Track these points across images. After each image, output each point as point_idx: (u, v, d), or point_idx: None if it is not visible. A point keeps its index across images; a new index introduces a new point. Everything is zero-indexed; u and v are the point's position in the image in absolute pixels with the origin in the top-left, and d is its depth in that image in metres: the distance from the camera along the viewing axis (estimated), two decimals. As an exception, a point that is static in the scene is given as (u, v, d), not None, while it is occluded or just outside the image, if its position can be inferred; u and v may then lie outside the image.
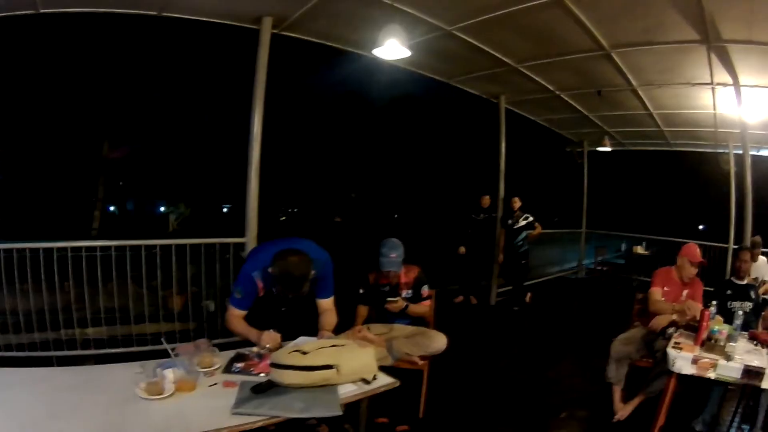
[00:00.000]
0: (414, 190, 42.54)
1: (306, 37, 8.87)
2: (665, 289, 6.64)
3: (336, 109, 41.18)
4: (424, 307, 6.28)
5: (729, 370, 4.94)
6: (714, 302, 6.01)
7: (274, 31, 8.12)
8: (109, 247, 7.42)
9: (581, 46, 9.12)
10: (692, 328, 5.75)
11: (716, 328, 5.35)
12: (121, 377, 3.83)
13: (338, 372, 3.86)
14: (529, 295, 13.32)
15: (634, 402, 6.25)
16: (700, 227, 38.14)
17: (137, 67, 26.31)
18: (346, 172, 45.07)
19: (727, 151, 15.21)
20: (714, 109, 12.28)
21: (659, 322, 6.30)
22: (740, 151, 11.88)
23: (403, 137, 41.10)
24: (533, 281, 15.43)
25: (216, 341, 4.80)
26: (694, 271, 6.66)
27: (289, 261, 4.47)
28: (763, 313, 6.75)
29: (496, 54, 9.76)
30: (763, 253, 10.48)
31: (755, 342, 5.67)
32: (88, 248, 7.32)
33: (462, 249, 12.71)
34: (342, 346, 4.22)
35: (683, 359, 5.10)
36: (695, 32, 8.20)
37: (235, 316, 4.83)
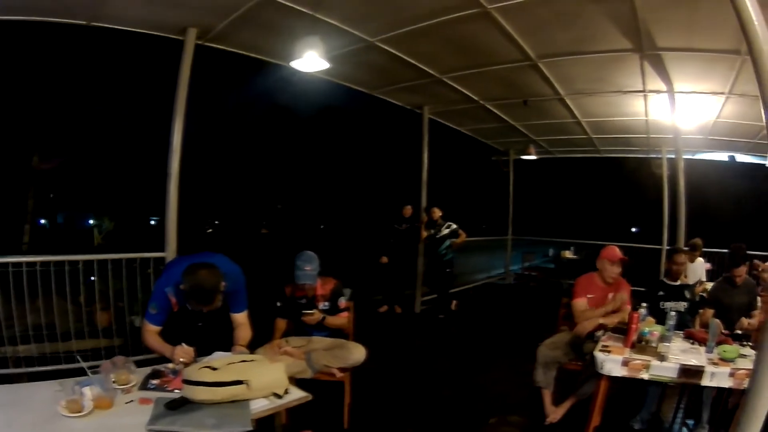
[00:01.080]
0: (339, 200, 42.72)
1: (230, 49, 8.78)
2: (589, 296, 6.65)
3: (262, 120, 41.38)
4: (342, 319, 6.24)
5: (663, 370, 5.00)
6: (644, 304, 6.11)
7: (199, 42, 8.00)
8: (34, 263, 7.19)
9: (507, 57, 9.16)
10: (622, 330, 5.78)
11: (647, 329, 5.39)
12: (47, 395, 3.73)
13: (248, 387, 3.84)
14: (454, 302, 13.32)
15: (566, 405, 6.30)
16: (633, 230, 39.03)
17: (67, 78, 25.94)
18: (273, 184, 45.07)
19: (660, 156, 15.55)
20: (646, 115, 12.49)
21: (585, 326, 6.34)
22: (673, 156, 12.10)
23: (328, 148, 41.34)
24: (460, 288, 15.54)
25: (141, 357, 4.99)
26: (616, 270, 6.67)
27: (198, 274, 4.42)
28: (700, 311, 6.95)
29: (420, 65, 9.79)
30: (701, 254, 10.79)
31: (692, 341, 5.79)
32: (15, 264, 7.07)
33: (384, 258, 12.68)
34: (252, 361, 4.22)
35: (612, 362, 5.14)
36: (628, 41, 8.31)
37: (150, 332, 4.76)
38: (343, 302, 6.21)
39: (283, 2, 6.99)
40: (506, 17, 7.54)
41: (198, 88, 8.09)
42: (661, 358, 5.05)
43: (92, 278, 7.65)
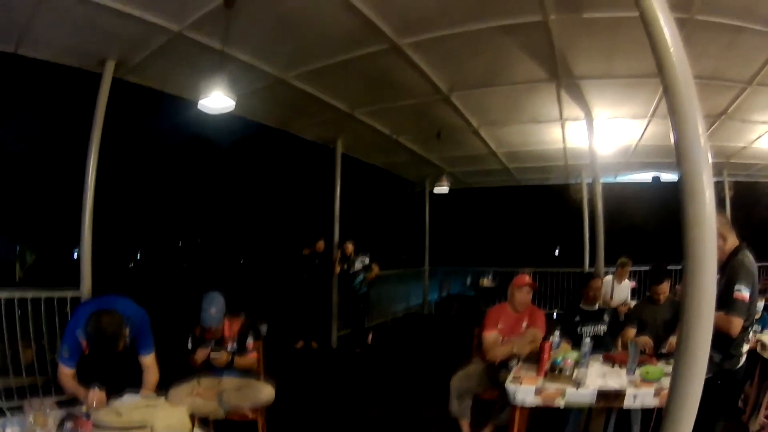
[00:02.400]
0: (256, 234, 42.56)
1: (146, 84, 8.69)
2: (500, 326, 6.61)
3: (182, 153, 41.08)
4: (250, 359, 6.17)
5: (580, 396, 4.91)
6: (557, 332, 6.09)
7: (116, 76, 7.85)
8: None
9: (419, 91, 9.37)
10: (535, 359, 5.70)
11: (559, 358, 5.35)
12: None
13: (152, 431, 3.83)
14: (370, 336, 13.34)
15: None
16: (556, 252, 39.61)
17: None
18: (193, 218, 44.80)
19: (579, 181, 15.64)
20: (564, 143, 12.75)
21: (496, 353, 6.34)
22: (591, 180, 12.21)
23: (244, 181, 41.20)
24: (378, 321, 15.67)
25: (64, 397, 4.82)
26: (526, 297, 6.72)
27: (101, 321, 4.44)
28: (622, 331, 6.83)
29: (331, 101, 9.87)
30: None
31: (612, 364, 5.69)
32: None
33: (297, 293, 12.82)
34: (155, 405, 4.24)
35: (524, 392, 5.00)
36: (544, 71, 8.55)
37: (65, 375, 4.77)
38: (251, 343, 6.16)
39: (196, 38, 7.03)
40: (417, 52, 7.69)
41: (118, 121, 8.00)
42: (577, 384, 4.95)
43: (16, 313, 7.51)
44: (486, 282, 17.70)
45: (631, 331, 6.58)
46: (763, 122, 11.51)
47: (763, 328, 7.78)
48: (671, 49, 3.33)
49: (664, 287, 6.58)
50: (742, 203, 17.75)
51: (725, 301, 4.32)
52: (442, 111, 10.31)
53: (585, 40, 7.52)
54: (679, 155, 3.17)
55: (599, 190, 10.72)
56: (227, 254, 42.65)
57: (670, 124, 8.92)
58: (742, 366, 4.66)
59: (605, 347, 6.32)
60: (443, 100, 9.69)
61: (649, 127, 11.59)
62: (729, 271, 4.52)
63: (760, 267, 9.53)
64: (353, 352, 12.32)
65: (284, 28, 6.99)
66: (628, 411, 5.65)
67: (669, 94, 3.28)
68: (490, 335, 6.49)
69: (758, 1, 6.44)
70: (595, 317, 6.84)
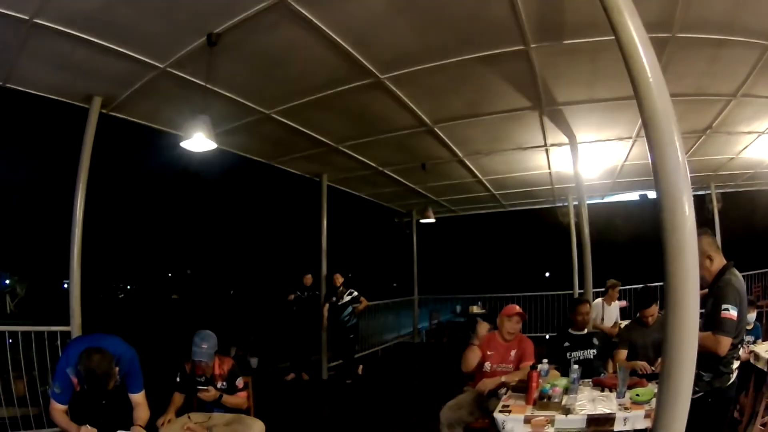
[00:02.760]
0: (246, 267, 42.46)
1: (133, 119, 8.71)
2: (489, 353, 6.69)
3: (171, 187, 41.07)
4: (239, 399, 6.16)
5: (570, 423, 4.90)
6: (545, 360, 6.15)
7: (104, 111, 7.93)
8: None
9: (402, 124, 9.53)
10: (523, 388, 5.64)
11: (548, 385, 5.36)
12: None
13: None
14: (360, 367, 13.32)
15: None
16: (546, 275, 39.33)
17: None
18: (182, 249, 44.72)
19: (566, 204, 15.77)
20: (549, 168, 12.85)
21: (486, 384, 6.38)
22: (577, 203, 12.18)
23: (233, 214, 41.19)
24: (369, 350, 15.92)
25: (56, 429, 4.96)
26: (515, 325, 6.80)
27: (91, 360, 4.48)
28: (614, 353, 6.87)
29: (316, 135, 10.00)
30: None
31: (602, 388, 5.70)
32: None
33: (286, 326, 12.96)
34: None
35: (514, 421, 5.01)
36: (526, 100, 8.68)
37: (57, 410, 4.79)
38: (240, 382, 6.16)
39: (181, 75, 7.08)
40: (399, 86, 7.77)
41: (108, 155, 8.03)
42: (566, 411, 5.00)
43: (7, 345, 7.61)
44: (476, 309, 17.59)
45: (623, 353, 6.67)
46: (749, 132, 11.61)
47: (756, 339, 8.10)
48: (648, 74, 3.33)
49: (653, 310, 6.64)
50: (732, 214, 17.70)
51: (713, 320, 4.38)
52: (426, 142, 10.49)
53: (567, 67, 7.61)
54: (658, 181, 3.21)
55: (585, 212, 10.76)
56: (217, 286, 42.59)
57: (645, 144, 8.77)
58: (733, 383, 4.63)
59: (595, 371, 6.38)
60: (427, 131, 9.87)
61: (634, 147, 11.64)
62: (716, 291, 4.53)
63: (750, 275, 9.42)
64: (344, 384, 12.30)
65: (267, 66, 7.08)
66: None
67: (646, 119, 3.33)
68: (472, 350, 6.53)
69: (738, 13, 6.50)
70: (584, 342, 6.92)
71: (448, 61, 7.06)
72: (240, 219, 41.11)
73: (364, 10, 5.82)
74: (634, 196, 18.03)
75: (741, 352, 6.01)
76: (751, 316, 8.32)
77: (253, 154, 11.17)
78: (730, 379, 4.57)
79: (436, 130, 9.75)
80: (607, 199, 18.02)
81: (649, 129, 3.32)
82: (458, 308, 19.30)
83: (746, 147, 12.80)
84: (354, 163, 11.98)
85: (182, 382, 6.09)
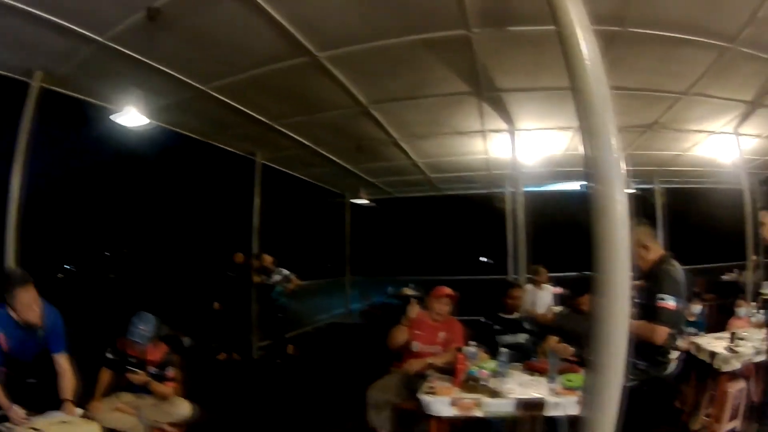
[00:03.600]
0: (180, 245, 41.92)
1: (74, 94, 8.53)
2: (417, 333, 6.68)
3: (109, 164, 40.25)
4: (167, 388, 6.03)
5: (498, 406, 4.97)
6: (473, 343, 6.08)
7: (44, 85, 7.65)
8: None
9: (339, 104, 9.42)
10: (450, 370, 5.71)
11: (475, 369, 5.41)
12: None
13: None
14: (291, 346, 13.43)
15: None
16: (482, 259, 39.41)
17: None
18: (120, 228, 44.01)
19: (503, 190, 15.96)
20: (486, 153, 12.93)
21: (412, 366, 6.39)
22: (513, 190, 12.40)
23: (170, 192, 40.56)
24: (300, 330, 15.83)
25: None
26: (444, 307, 6.80)
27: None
28: (544, 339, 6.84)
29: (251, 113, 9.86)
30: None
31: (533, 372, 5.79)
32: None
33: (216, 305, 12.66)
34: (70, 422, 4.39)
35: (439, 402, 5.05)
36: (466, 85, 8.69)
37: None
38: (171, 372, 6.10)
39: (121, 50, 6.91)
40: (336, 65, 7.71)
41: (46, 131, 7.85)
42: (494, 394, 5.06)
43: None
44: (409, 291, 17.29)
45: (554, 339, 6.64)
46: (700, 131, 11.86)
47: (699, 331, 8.16)
48: (587, 65, 3.35)
49: (587, 298, 6.66)
50: (676, 210, 17.93)
51: (650, 310, 4.42)
52: (362, 124, 10.46)
53: (509, 54, 7.61)
54: (590, 172, 3.24)
55: (521, 199, 10.94)
56: (153, 265, 42.08)
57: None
58: (671, 372, 4.71)
59: (527, 356, 6.39)
60: (364, 113, 9.82)
61: (575, 138, 11.68)
62: (653, 280, 4.58)
63: (693, 270, 9.55)
64: (274, 363, 12.36)
65: (206, 41, 6.96)
66: (554, 417, 5.50)
67: (582, 108, 3.36)
68: (399, 328, 6.61)
69: (697, 13, 6.58)
70: (515, 326, 6.99)
71: (388, 42, 7.02)
72: (177, 198, 40.45)
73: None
74: (575, 186, 18.16)
75: (680, 342, 6.11)
76: (696, 308, 8.67)
77: (190, 131, 11.08)
78: (667, 369, 4.65)
79: (373, 111, 9.73)
80: (547, 188, 18.20)
81: (583, 119, 3.36)
82: (390, 290, 19.40)
83: (695, 145, 13.17)
84: (289, 142, 11.89)
85: (113, 359, 6.03)
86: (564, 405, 4.88)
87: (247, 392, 9.84)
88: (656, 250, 4.78)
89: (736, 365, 6.48)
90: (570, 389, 5.03)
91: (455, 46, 7.15)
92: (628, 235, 3.16)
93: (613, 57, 7.23)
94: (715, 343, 7.13)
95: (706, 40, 7.18)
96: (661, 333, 4.38)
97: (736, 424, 6.72)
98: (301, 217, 31.29)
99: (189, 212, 39.02)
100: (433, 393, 5.17)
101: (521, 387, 5.29)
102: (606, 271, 3.16)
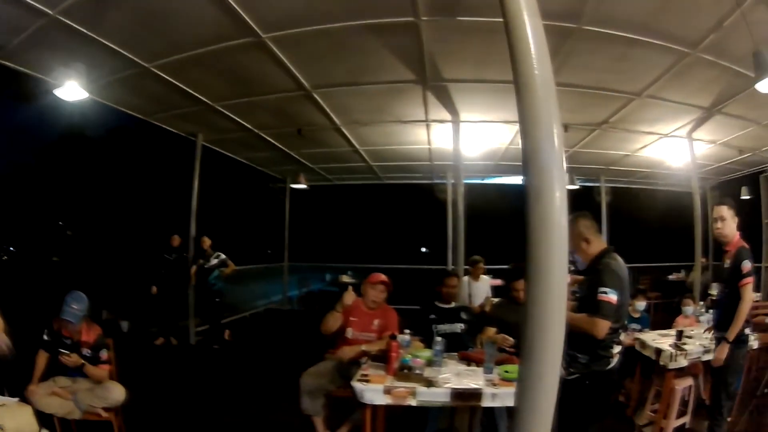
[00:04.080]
0: (122, 228, 41.49)
1: (21, 68, 8.31)
2: (352, 318, 6.65)
3: (56, 143, 39.72)
4: (101, 371, 5.99)
5: (433, 395, 4.92)
6: (407, 331, 6.11)
7: None
8: None
9: (281, 87, 9.33)
10: (384, 358, 5.56)
11: (409, 356, 5.38)
12: None
13: (3, 430, 3.85)
14: (227, 332, 13.26)
15: (342, 430, 6.29)
16: (423, 249, 39.53)
17: None
18: (63, 209, 43.51)
19: (445, 181, 16.04)
20: (429, 144, 13.02)
21: (346, 352, 6.39)
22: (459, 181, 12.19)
23: (113, 173, 40.09)
24: (237, 316, 15.76)
25: None
26: (380, 294, 6.81)
27: None
28: (482, 329, 6.85)
29: (193, 92, 9.71)
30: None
31: (468, 362, 5.73)
32: None
33: (154, 289, 12.54)
34: (3, 405, 4.34)
35: (373, 391, 4.99)
36: (411, 73, 8.66)
37: None
38: (105, 355, 6.05)
39: (69, 23, 6.74)
40: (281, 47, 7.64)
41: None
42: (429, 383, 5.00)
43: None
44: (346, 278, 17.67)
45: (491, 330, 6.63)
46: (651, 133, 12.04)
47: (643, 328, 8.37)
48: (533, 57, 3.20)
49: (523, 284, 6.63)
50: (625, 209, 18.32)
51: (590, 303, 4.42)
52: (305, 108, 10.37)
53: (457, 44, 7.59)
54: (528, 161, 3.09)
55: (461, 190, 10.93)
56: (97, 248, 41.64)
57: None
58: (614, 367, 4.68)
59: (463, 346, 6.40)
60: (306, 96, 9.74)
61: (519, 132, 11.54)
62: (594, 274, 4.59)
63: (639, 269, 9.67)
64: (211, 349, 12.32)
65: (150, 17, 6.81)
66: (493, 408, 5.63)
67: (523, 100, 3.19)
68: (332, 314, 6.50)
69: (656, 15, 6.61)
70: (451, 315, 6.98)
71: (334, 25, 6.97)
72: (120, 179, 40.01)
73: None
74: (518, 179, 18.35)
75: (623, 337, 6.13)
76: (640, 304, 8.76)
77: (133, 109, 10.87)
78: (609, 363, 4.63)
79: (315, 95, 9.67)
80: (490, 181, 18.34)
81: (524, 111, 3.21)
82: (328, 277, 19.80)
83: (645, 146, 13.43)
84: (230, 124, 11.77)
85: (48, 341, 5.95)
86: (501, 396, 4.87)
87: (183, 377, 9.77)
88: (598, 243, 4.78)
89: (682, 363, 6.58)
90: (508, 380, 4.99)
91: (403, 33, 7.13)
92: (565, 228, 3.11)
93: (567, 53, 7.60)
94: (660, 340, 7.21)
95: (665, 44, 7.27)
96: (601, 326, 4.36)
97: (686, 420, 6.92)
98: (241, 201, 31.22)
99: (130, 193, 38.68)
100: (366, 381, 5.13)
101: (457, 377, 5.26)
102: (541, 263, 3.10)
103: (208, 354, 11.92)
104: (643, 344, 7.23)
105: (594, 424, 4.69)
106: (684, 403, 7.01)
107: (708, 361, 6.18)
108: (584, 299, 4.61)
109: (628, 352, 7.05)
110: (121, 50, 7.69)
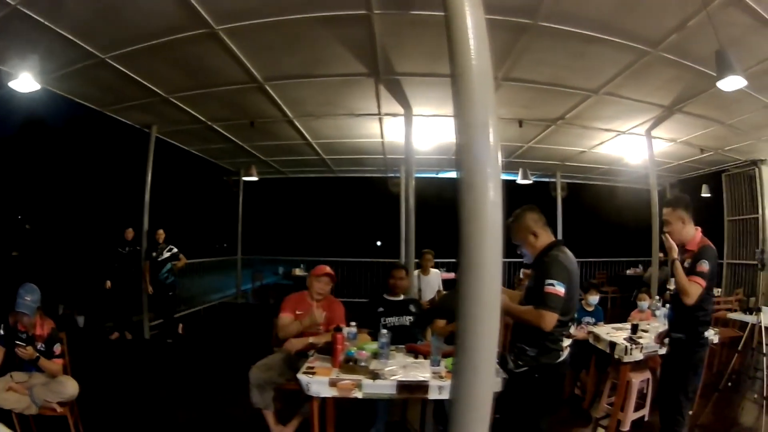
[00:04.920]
0: (80, 222, 40.93)
1: None
2: (298, 312, 6.55)
3: (16, 135, 39.16)
4: (55, 365, 5.98)
5: (378, 388, 4.92)
6: (353, 323, 6.03)
7: None
8: None
9: (234, 79, 9.39)
10: (330, 350, 5.53)
11: (353, 350, 5.34)
12: None
13: None
14: (181, 326, 13.22)
15: (294, 423, 6.25)
16: (378, 243, 39.29)
17: None
18: (24, 203, 42.86)
19: (398, 175, 15.96)
20: (382, 137, 13.12)
21: (293, 345, 6.31)
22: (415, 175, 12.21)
23: (71, 165, 39.51)
24: (191, 310, 15.85)
25: None
26: (324, 287, 6.73)
27: None
28: (433, 321, 6.92)
29: (147, 83, 9.68)
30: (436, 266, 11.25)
31: (415, 355, 5.73)
32: None
33: (108, 283, 12.42)
34: None
35: (318, 383, 4.96)
36: (363, 66, 8.74)
37: None
38: (58, 348, 6.03)
39: (30, 14, 6.70)
40: (233, 39, 7.67)
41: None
42: (374, 376, 5.00)
43: None
44: (298, 271, 17.88)
45: (441, 322, 6.73)
46: (608, 130, 12.23)
47: (597, 321, 8.32)
48: (471, 50, 3.27)
49: None
50: (581, 204, 18.51)
51: (537, 295, 4.39)
52: (257, 100, 10.39)
53: (410, 38, 7.65)
54: (462, 156, 3.17)
55: (413, 184, 10.90)
56: (54, 242, 41.10)
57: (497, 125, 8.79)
58: (564, 360, 4.61)
59: (412, 338, 6.38)
60: (258, 88, 9.78)
61: None
62: (540, 266, 4.56)
63: (597, 263, 9.70)
64: (165, 343, 12.29)
65: (107, 8, 6.77)
66: (442, 401, 5.54)
67: (459, 94, 3.26)
68: (285, 317, 6.47)
69: (618, 14, 6.68)
70: (400, 308, 6.92)
71: (287, 18, 6.98)
72: (77, 171, 39.39)
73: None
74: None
75: (573, 330, 6.17)
76: (593, 298, 8.71)
77: (88, 100, 10.76)
78: (559, 357, 4.58)
79: (267, 87, 9.69)
80: (445, 175, 18.54)
81: (459, 105, 3.29)
82: (281, 270, 19.66)
83: (602, 143, 13.71)
84: (184, 116, 11.75)
85: (4, 335, 5.93)
86: (448, 388, 4.52)
87: (138, 372, 9.72)
88: (546, 237, 4.72)
89: (638, 356, 6.62)
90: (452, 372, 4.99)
91: (355, 25, 7.18)
92: (499, 221, 3.14)
93: (522, 49, 7.81)
94: (615, 333, 7.28)
95: (625, 42, 7.35)
96: (548, 318, 4.29)
97: (645, 413, 7.02)
98: (196, 193, 31.04)
99: (86, 185, 38.24)
100: (312, 373, 5.11)
101: (404, 369, 5.27)
102: (473, 256, 3.13)
103: (162, 348, 11.86)
104: (597, 338, 7.28)
105: (545, 417, 4.69)
106: (642, 396, 7.05)
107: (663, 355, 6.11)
108: (531, 291, 4.59)
109: (582, 345, 7.43)
110: (77, 41, 7.66)
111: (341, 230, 37.52)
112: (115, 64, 8.56)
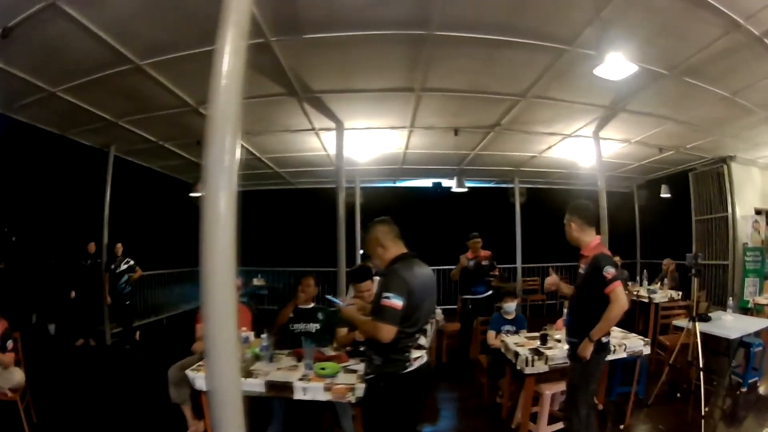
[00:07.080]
0: (47, 235, 40.73)
1: None
2: None
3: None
4: (7, 358, 6.79)
5: (249, 386, 5.40)
6: (244, 328, 6.71)
7: None
8: None
9: (171, 104, 10.05)
10: None
11: (248, 351, 6.03)
12: None
13: None
14: (138, 333, 13.89)
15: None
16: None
17: None
18: (8, 214, 42.58)
19: (353, 185, 16.70)
20: (326, 150, 13.66)
21: (200, 346, 6.84)
22: (366, 185, 13.20)
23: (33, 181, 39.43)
24: (155, 318, 16.80)
25: None
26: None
27: None
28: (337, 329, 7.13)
29: (96, 111, 10.43)
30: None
31: (299, 358, 6.17)
32: None
33: (72, 293, 13.11)
34: None
35: (202, 378, 5.44)
36: (280, 87, 9.23)
37: None
38: (10, 344, 6.84)
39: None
40: (159, 71, 8.47)
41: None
42: (248, 375, 5.54)
43: None
44: (256, 282, 18.45)
45: (342, 331, 7.04)
46: (552, 133, 12.45)
47: (518, 329, 8.37)
48: (221, 78, 4.09)
49: (366, 285, 6.78)
50: (537, 209, 18.88)
51: (377, 308, 4.52)
52: (196, 121, 10.70)
53: (315, 58, 8.11)
54: (206, 167, 3.81)
55: (358, 193, 12.18)
56: (31, 254, 40.97)
57: (435, 135, 11.10)
58: (414, 370, 4.64)
59: (321, 344, 6.65)
60: (194, 111, 10.34)
61: (412, 137, 12.54)
62: (382, 279, 4.73)
63: (556, 268, 9.70)
64: (124, 349, 13.02)
65: (51, 50, 7.61)
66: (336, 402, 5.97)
67: (209, 111, 3.99)
68: (200, 327, 6.66)
69: (513, 15, 6.82)
70: (308, 315, 7.32)
71: (201, 49, 7.36)
72: (42, 188, 39.28)
73: (122, 7, 6.44)
74: (428, 183, 19.00)
75: (492, 338, 6.86)
76: (509, 306, 8.69)
77: (50, 126, 11.55)
78: (406, 367, 4.60)
79: (201, 111, 10.01)
80: (403, 184, 19.39)
81: (208, 124, 4.01)
82: (240, 279, 19.83)
83: (550, 147, 13.90)
84: (136, 137, 12.41)
85: None
86: (312, 390, 5.40)
87: (97, 375, 10.55)
88: (395, 249, 4.79)
89: (541, 368, 6.67)
90: (321, 377, 5.53)
91: (260, 52, 7.49)
92: (231, 231, 3.80)
93: (428, 59, 8.07)
94: (523, 343, 7.36)
95: (536, 42, 7.46)
96: (385, 330, 4.35)
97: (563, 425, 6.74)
98: (158, 207, 31.30)
99: (57, 200, 38.31)
100: (198, 370, 5.73)
101: (278, 371, 5.82)
102: (210, 269, 3.76)
103: (122, 354, 12.63)
104: (507, 347, 7.34)
105: (402, 425, 4.72)
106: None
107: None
108: (374, 303, 4.75)
109: (500, 354, 7.62)
110: (31, 79, 8.61)
111: (299, 240, 37.50)
112: (65, 96, 9.43)
